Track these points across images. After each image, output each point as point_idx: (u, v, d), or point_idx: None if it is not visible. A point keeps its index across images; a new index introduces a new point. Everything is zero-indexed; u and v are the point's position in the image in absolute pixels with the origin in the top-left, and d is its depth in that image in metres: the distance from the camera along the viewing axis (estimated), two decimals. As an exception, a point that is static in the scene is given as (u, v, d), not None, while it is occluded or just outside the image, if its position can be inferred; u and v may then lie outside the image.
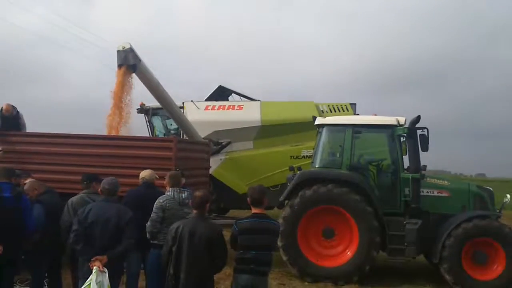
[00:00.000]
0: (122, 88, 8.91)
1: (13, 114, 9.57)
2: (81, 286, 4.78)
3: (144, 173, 6.50)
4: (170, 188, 5.72)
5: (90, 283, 4.67)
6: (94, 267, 4.75)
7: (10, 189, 5.54)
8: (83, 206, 5.49)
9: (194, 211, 4.76)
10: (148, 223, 5.51)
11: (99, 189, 5.50)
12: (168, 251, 4.64)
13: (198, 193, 4.84)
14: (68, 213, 5.91)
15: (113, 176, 5.68)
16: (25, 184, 6.40)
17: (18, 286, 6.46)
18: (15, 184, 5.93)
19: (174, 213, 5.51)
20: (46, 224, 5.78)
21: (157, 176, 6.61)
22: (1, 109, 9.50)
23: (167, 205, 5.54)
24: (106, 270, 4.77)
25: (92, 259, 4.84)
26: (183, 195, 5.69)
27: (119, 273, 5.28)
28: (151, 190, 6.32)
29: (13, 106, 9.54)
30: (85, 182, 6.40)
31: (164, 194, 5.84)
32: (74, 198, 6.13)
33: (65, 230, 5.67)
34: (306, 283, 8.17)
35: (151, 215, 5.53)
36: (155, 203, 5.58)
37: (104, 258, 4.84)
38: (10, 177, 5.76)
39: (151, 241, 5.60)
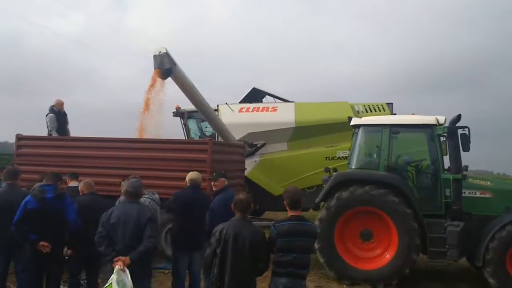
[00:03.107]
0: (153, 91, 9.12)
1: (62, 111, 10.26)
2: (104, 286, 4.81)
3: (193, 175, 6.55)
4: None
5: (111, 283, 4.68)
6: (116, 266, 4.79)
7: (52, 191, 5.81)
8: None
9: (238, 214, 4.72)
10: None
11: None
12: (212, 253, 4.62)
13: (241, 196, 4.83)
14: None
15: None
16: (68, 186, 6.65)
17: (61, 286, 6.61)
18: (60, 187, 6.16)
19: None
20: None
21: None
22: (53, 106, 10.20)
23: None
24: (127, 270, 4.77)
25: (114, 259, 4.89)
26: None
27: (148, 274, 5.29)
28: (199, 191, 6.48)
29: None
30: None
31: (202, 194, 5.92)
32: None
33: None
34: (344, 286, 8.06)
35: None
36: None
37: (127, 259, 4.85)
38: (56, 180, 6.05)
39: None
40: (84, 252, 5.96)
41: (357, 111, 12.50)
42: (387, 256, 8.10)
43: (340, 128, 11.56)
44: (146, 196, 5.79)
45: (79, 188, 6.44)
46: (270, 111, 12.96)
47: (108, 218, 5.16)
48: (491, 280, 7.62)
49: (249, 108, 13.10)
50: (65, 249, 5.92)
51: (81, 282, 6.46)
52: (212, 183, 6.68)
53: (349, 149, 9.38)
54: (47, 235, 5.58)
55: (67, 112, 10.63)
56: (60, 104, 10.35)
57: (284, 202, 4.80)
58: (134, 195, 5.35)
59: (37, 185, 6.56)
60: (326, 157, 12.33)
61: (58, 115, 10.34)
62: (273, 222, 4.89)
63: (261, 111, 13.00)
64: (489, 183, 8.56)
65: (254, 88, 14.04)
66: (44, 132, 10.52)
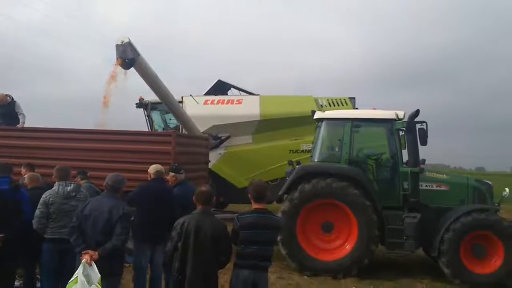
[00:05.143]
0: (113, 81, 8.98)
1: (7, 102, 9.94)
2: (70, 280, 4.76)
3: (158, 167, 6.50)
4: (56, 182, 5.69)
5: (77, 276, 4.65)
6: (83, 260, 4.75)
7: (7, 182, 5.69)
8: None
9: (199, 207, 4.69)
10: (34, 219, 5.51)
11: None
12: (173, 247, 4.59)
13: (203, 188, 4.79)
14: None
15: (114, 171, 5.67)
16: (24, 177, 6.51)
17: (16, 280, 6.46)
18: (14, 179, 6.01)
19: (58, 207, 5.53)
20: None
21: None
22: None
23: (50, 199, 5.52)
24: (94, 264, 4.73)
25: (83, 252, 4.85)
26: (68, 188, 5.66)
27: (118, 271, 5.22)
28: (164, 184, 6.45)
29: (6, 95, 10.10)
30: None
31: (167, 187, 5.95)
32: None
33: None
34: (305, 277, 8.18)
35: (36, 211, 5.52)
36: (41, 198, 5.57)
37: (95, 253, 4.82)
38: (8, 172, 5.91)
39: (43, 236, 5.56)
40: (35, 246, 5.82)
41: (321, 105, 12.69)
42: (347, 247, 8.29)
43: (304, 122, 11.68)
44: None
45: (25, 181, 6.28)
46: (235, 103, 12.99)
47: (83, 210, 5.11)
48: (445, 270, 7.90)
49: (214, 100, 13.09)
50: None
51: (37, 276, 6.34)
52: (170, 176, 6.66)
53: (312, 142, 9.50)
54: (2, 228, 5.41)
55: (16, 100, 10.30)
56: (0, 100, 10.09)
57: (249, 195, 4.83)
58: (113, 189, 5.27)
59: None
60: (290, 150, 12.48)
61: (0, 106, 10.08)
62: (236, 214, 4.91)
63: (226, 103, 13.02)
64: (445, 176, 8.87)
65: (219, 81, 14.02)
66: None
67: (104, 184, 5.37)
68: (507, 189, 8.90)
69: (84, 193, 5.91)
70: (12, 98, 10.21)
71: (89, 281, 4.63)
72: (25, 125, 9.98)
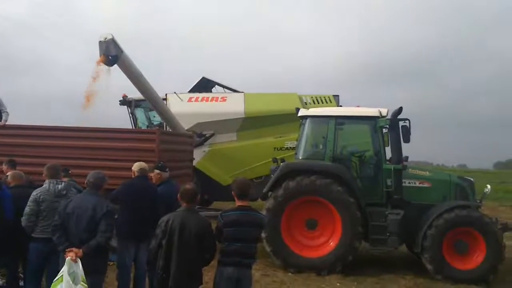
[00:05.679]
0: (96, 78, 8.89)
1: None
2: (55, 279, 4.72)
3: (142, 164, 6.45)
4: (47, 180, 5.64)
5: (62, 275, 4.61)
6: (67, 258, 4.72)
7: None
8: None
9: (184, 205, 4.68)
10: (23, 217, 5.44)
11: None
12: (157, 245, 4.57)
13: (188, 186, 4.79)
14: None
15: (98, 169, 5.62)
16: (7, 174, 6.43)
17: (0, 280, 6.37)
18: None
19: (49, 205, 5.47)
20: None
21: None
22: None
23: (41, 197, 5.47)
24: (79, 261, 4.71)
25: (67, 250, 4.82)
26: (59, 186, 5.61)
27: (102, 269, 5.20)
28: (147, 181, 6.41)
29: None
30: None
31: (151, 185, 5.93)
32: None
33: None
34: (290, 274, 8.20)
35: (25, 208, 5.45)
36: (31, 196, 5.51)
37: (79, 251, 4.80)
38: None
39: (31, 235, 5.50)
40: (18, 245, 5.75)
41: (305, 102, 12.76)
42: (331, 244, 8.33)
43: (288, 119, 11.72)
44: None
45: (8, 179, 6.21)
46: (220, 101, 12.97)
47: (65, 208, 5.06)
48: (428, 265, 7.99)
49: (198, 97, 13.05)
50: None
51: (20, 274, 6.26)
52: (154, 174, 6.62)
53: (297, 140, 9.53)
54: None
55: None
56: None
57: (232, 192, 4.83)
58: (95, 186, 5.23)
59: None
60: (275, 148, 12.53)
61: None
62: (220, 212, 4.91)
63: (210, 101, 12.98)
64: (428, 173, 8.96)
65: (203, 78, 13.99)
66: None
67: (85, 181, 5.32)
68: (488, 186, 9.06)
69: (74, 191, 5.84)
70: None
71: (74, 280, 4.61)
72: (8, 123, 9.84)
